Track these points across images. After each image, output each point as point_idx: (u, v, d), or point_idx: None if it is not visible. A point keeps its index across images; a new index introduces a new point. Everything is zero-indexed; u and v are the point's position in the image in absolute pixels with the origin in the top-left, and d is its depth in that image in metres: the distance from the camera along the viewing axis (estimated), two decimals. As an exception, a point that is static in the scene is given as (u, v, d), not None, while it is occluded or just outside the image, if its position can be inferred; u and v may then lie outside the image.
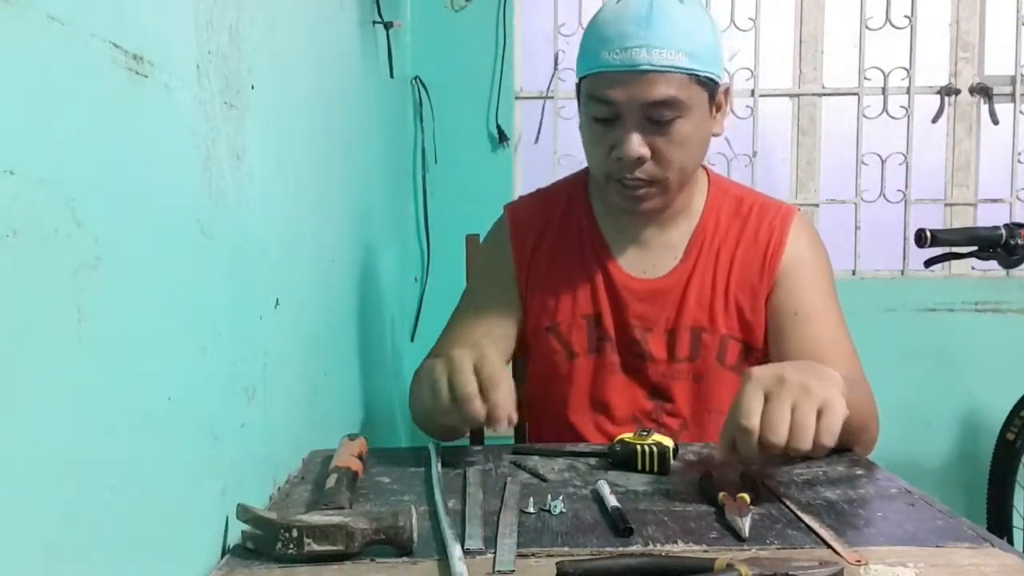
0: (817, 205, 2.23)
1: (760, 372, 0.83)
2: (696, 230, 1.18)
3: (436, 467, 0.91)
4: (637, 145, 1.05)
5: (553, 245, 1.21)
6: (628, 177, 1.08)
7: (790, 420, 0.79)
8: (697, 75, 1.04)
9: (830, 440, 0.79)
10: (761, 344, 1.16)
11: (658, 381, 1.16)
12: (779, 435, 0.78)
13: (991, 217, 2.12)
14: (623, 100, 1.04)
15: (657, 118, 1.04)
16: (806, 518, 0.76)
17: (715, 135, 1.13)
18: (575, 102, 1.16)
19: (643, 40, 1.01)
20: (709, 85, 1.07)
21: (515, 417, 0.89)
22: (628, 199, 1.11)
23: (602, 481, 0.85)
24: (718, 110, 1.11)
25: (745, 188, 1.25)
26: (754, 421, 0.79)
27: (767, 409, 0.80)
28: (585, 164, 1.27)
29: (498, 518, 0.76)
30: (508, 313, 1.21)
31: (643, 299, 1.16)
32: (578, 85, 1.15)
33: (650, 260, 1.18)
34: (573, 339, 1.18)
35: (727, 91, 1.13)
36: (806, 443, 0.79)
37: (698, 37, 1.04)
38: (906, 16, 2.15)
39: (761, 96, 2.20)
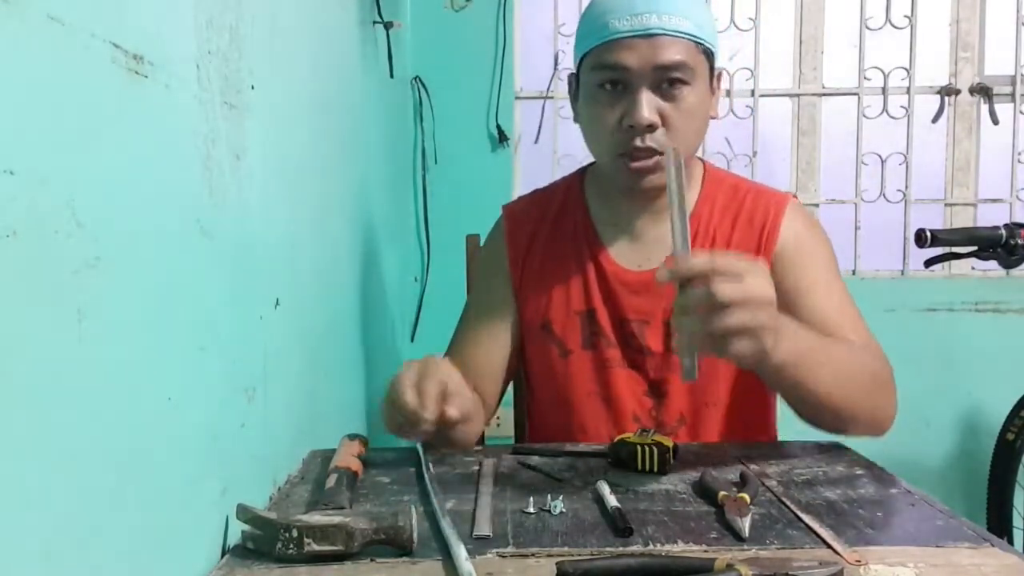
0: (817, 205, 2.23)
1: (766, 278, 0.80)
2: (691, 219, 1.16)
3: (426, 466, 0.91)
4: (648, 109, 1.05)
5: (547, 242, 1.21)
6: (637, 147, 1.07)
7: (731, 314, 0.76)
8: (702, 43, 1.06)
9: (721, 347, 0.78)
10: None
11: (656, 375, 1.15)
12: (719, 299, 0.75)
13: (991, 217, 2.12)
14: (634, 65, 1.04)
15: (666, 84, 1.05)
16: (806, 518, 0.76)
17: (713, 117, 1.14)
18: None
19: (651, 7, 1.04)
20: (710, 58, 1.09)
21: (431, 413, 0.89)
22: (635, 171, 1.08)
23: (602, 481, 0.85)
24: (713, 93, 1.13)
25: (741, 177, 1.24)
26: (715, 266, 0.76)
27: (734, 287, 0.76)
28: (583, 165, 1.27)
29: (474, 514, 0.76)
30: (507, 314, 1.20)
31: (637, 291, 1.15)
32: (573, 76, 1.15)
33: (644, 253, 1.17)
34: (567, 336, 1.17)
35: (720, 76, 1.14)
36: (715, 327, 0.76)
37: (699, 8, 1.08)
38: (906, 16, 2.15)
39: (761, 96, 2.20)
